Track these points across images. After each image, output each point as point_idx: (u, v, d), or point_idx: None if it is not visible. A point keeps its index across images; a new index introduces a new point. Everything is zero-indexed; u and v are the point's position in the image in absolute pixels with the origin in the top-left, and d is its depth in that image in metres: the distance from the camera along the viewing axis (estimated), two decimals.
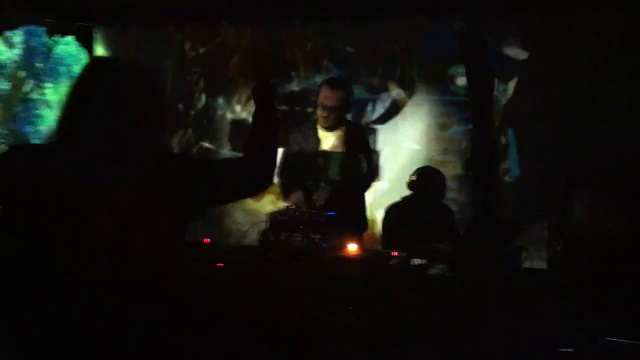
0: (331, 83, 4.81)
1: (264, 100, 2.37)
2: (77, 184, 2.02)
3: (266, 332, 3.49)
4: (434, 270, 3.84)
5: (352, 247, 3.92)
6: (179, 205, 2.11)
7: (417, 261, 3.88)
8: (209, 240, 4.09)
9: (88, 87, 2.13)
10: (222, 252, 3.99)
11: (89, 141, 2.07)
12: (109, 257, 2.01)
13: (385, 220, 4.94)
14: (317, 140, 4.85)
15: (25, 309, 2.03)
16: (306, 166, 4.81)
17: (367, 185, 4.97)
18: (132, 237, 2.04)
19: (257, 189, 2.38)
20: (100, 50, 6.92)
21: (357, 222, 4.73)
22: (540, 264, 4.66)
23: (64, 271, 2.00)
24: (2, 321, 2.07)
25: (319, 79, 6.03)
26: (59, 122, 2.12)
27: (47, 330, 2.01)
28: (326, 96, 4.73)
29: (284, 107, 6.27)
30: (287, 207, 4.29)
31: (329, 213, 4.18)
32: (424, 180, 4.96)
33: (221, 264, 3.82)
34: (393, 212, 4.95)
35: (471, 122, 4.40)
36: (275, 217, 4.11)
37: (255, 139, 2.32)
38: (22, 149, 2.24)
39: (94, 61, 2.32)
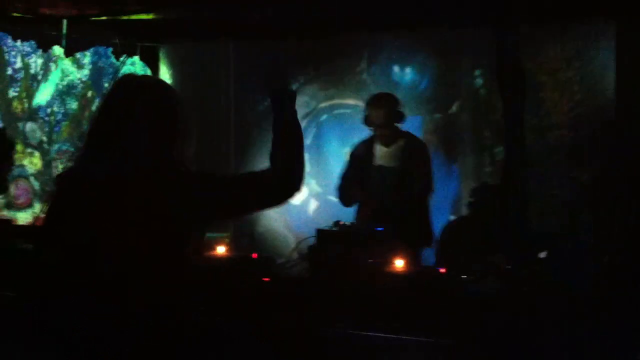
0: (373, 101, 4.83)
1: (282, 106, 2.33)
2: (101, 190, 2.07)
3: (309, 346, 3.47)
4: (484, 287, 3.75)
5: (399, 263, 3.85)
6: (198, 214, 2.13)
7: (466, 277, 3.80)
8: (256, 255, 4.09)
9: (112, 101, 2.20)
10: (269, 267, 3.98)
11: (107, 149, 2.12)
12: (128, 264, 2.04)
13: (442, 238, 4.85)
14: (372, 155, 4.84)
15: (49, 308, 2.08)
16: (361, 181, 4.81)
17: (422, 200, 4.90)
18: (153, 245, 2.07)
19: (281, 199, 2.35)
20: (164, 70, 7.08)
21: (413, 237, 4.65)
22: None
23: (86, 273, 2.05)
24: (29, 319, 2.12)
25: None
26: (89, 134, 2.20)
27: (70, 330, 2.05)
28: (373, 114, 4.73)
29: None
30: (336, 222, 4.25)
31: (378, 228, 4.13)
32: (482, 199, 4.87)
33: (267, 279, 3.82)
34: (450, 229, 4.86)
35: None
36: (323, 232, 4.09)
37: (277, 148, 2.30)
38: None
39: (120, 79, 2.38)
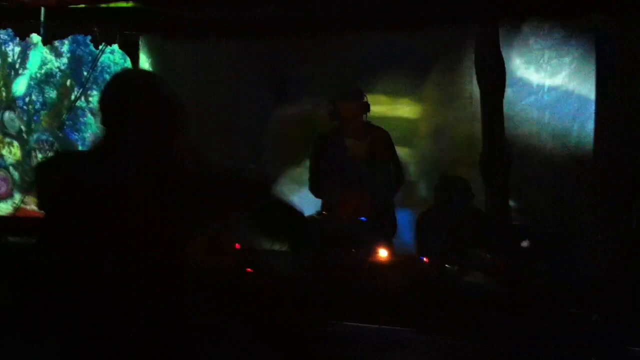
0: (347, 96, 4.82)
1: None
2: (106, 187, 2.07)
3: (295, 337, 3.48)
4: (469, 277, 3.78)
5: (383, 253, 3.88)
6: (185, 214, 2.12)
7: (451, 268, 3.83)
8: (239, 245, 4.09)
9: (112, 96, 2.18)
10: (252, 258, 3.98)
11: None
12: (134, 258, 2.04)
13: (419, 227, 4.87)
14: (345, 149, 4.87)
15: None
16: (335, 175, 4.81)
17: (394, 191, 4.94)
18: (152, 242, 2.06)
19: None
20: (144, 59, 7.02)
21: (387, 227, 4.68)
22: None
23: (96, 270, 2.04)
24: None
25: None
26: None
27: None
28: (345, 109, 4.76)
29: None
30: (318, 213, 4.27)
31: (361, 218, 4.15)
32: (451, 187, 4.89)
33: (250, 269, 3.82)
34: (425, 218, 4.87)
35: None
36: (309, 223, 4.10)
37: None
38: (67, 156, 2.30)
39: (116, 74, 2.36)
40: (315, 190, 4.96)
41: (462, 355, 3.36)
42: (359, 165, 4.80)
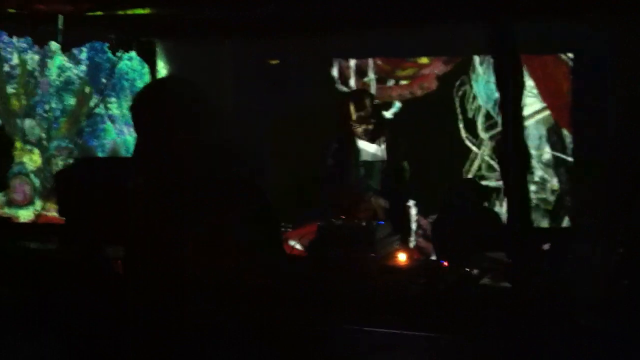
0: (355, 96, 4.80)
1: None
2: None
3: (313, 343, 3.47)
4: (487, 280, 3.76)
5: (402, 257, 3.87)
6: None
7: (470, 271, 3.82)
8: None
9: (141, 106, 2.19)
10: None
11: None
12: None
13: (434, 230, 4.87)
14: (358, 151, 4.83)
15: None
16: (349, 178, 4.80)
17: (409, 194, 4.88)
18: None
19: None
20: (162, 65, 7.05)
21: (403, 231, 4.65)
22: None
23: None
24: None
25: None
26: None
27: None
28: (354, 110, 4.72)
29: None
30: (335, 217, 4.26)
31: (379, 222, 4.13)
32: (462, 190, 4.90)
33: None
34: (442, 222, 4.87)
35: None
36: (323, 228, 4.10)
37: None
38: (87, 162, 2.32)
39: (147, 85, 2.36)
40: (324, 192, 4.92)
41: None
42: (371, 167, 4.76)
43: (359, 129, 4.78)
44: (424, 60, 6.45)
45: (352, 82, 6.54)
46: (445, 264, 3.86)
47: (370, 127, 4.77)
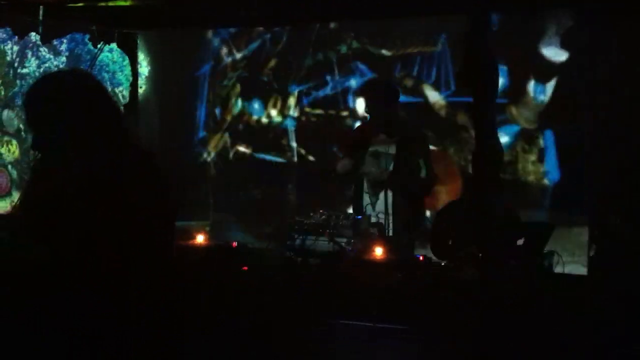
0: (369, 87, 4.79)
1: None
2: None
3: (286, 335, 3.49)
4: (459, 274, 3.79)
5: (378, 252, 3.89)
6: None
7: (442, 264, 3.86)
8: (235, 243, 4.11)
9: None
10: (248, 256, 4.00)
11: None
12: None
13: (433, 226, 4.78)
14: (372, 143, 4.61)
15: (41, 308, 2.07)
16: (362, 174, 4.58)
17: (426, 190, 4.70)
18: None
19: None
20: (142, 57, 7.04)
21: (418, 226, 4.53)
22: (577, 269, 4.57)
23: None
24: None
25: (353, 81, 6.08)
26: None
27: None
28: (366, 105, 4.61)
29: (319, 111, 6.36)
30: (315, 212, 4.27)
31: (357, 217, 4.16)
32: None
33: (246, 267, 3.84)
34: (440, 217, 4.81)
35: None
36: (302, 222, 4.12)
37: None
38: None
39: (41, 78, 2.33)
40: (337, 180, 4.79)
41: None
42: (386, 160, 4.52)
43: (379, 121, 4.58)
44: None
45: None
46: (421, 258, 3.88)
47: (389, 119, 4.56)
